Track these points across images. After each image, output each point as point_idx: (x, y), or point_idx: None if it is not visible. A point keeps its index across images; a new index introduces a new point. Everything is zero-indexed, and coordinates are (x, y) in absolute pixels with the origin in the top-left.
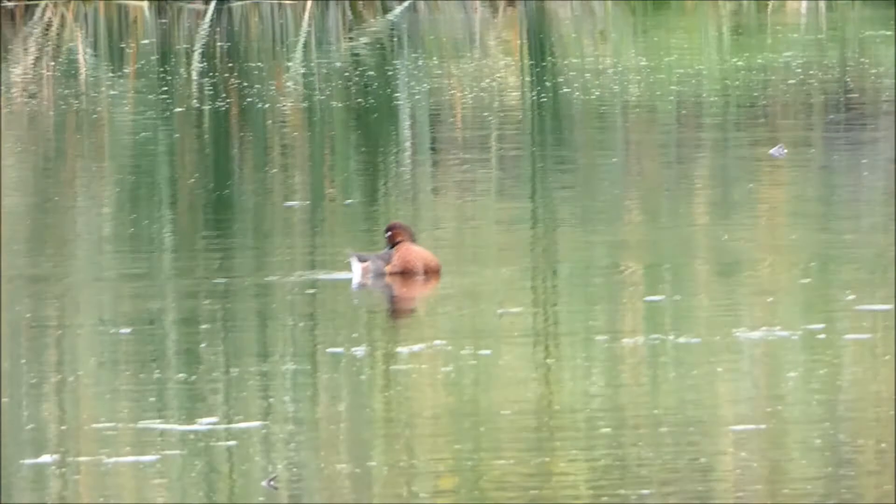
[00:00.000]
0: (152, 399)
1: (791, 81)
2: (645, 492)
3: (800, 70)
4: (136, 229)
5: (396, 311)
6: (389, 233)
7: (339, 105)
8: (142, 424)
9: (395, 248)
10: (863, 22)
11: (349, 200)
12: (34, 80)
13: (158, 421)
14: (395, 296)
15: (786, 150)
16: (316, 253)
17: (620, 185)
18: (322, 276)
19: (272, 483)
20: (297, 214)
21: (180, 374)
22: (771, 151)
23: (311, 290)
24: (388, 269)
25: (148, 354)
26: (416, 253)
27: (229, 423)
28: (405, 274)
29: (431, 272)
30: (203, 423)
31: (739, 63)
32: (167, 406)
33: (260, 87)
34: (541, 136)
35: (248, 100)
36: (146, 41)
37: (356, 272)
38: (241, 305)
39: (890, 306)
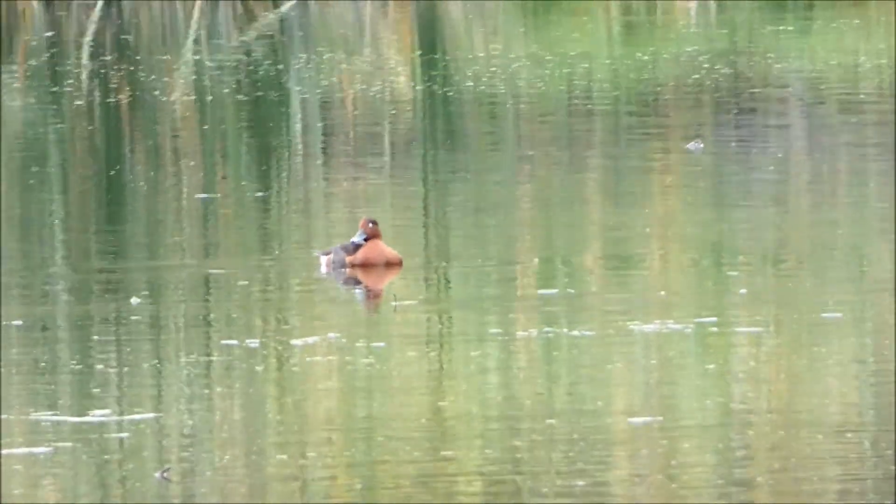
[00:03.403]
0: (45, 391)
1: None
2: (540, 485)
3: (696, 64)
4: (27, 217)
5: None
6: (371, 225)
7: (230, 99)
8: (34, 416)
9: (366, 242)
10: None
11: (259, 193)
12: None
13: (51, 413)
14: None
15: (702, 145)
16: (212, 245)
17: (512, 177)
18: (216, 269)
19: (165, 475)
20: (206, 207)
21: (73, 366)
22: (688, 146)
23: (207, 282)
24: (349, 259)
25: (40, 345)
26: (380, 249)
27: (122, 414)
28: (365, 266)
29: (393, 266)
30: (96, 415)
31: (630, 59)
32: (60, 398)
33: (151, 80)
34: (432, 129)
35: (139, 93)
36: (35, 35)
37: (323, 265)
38: (135, 296)
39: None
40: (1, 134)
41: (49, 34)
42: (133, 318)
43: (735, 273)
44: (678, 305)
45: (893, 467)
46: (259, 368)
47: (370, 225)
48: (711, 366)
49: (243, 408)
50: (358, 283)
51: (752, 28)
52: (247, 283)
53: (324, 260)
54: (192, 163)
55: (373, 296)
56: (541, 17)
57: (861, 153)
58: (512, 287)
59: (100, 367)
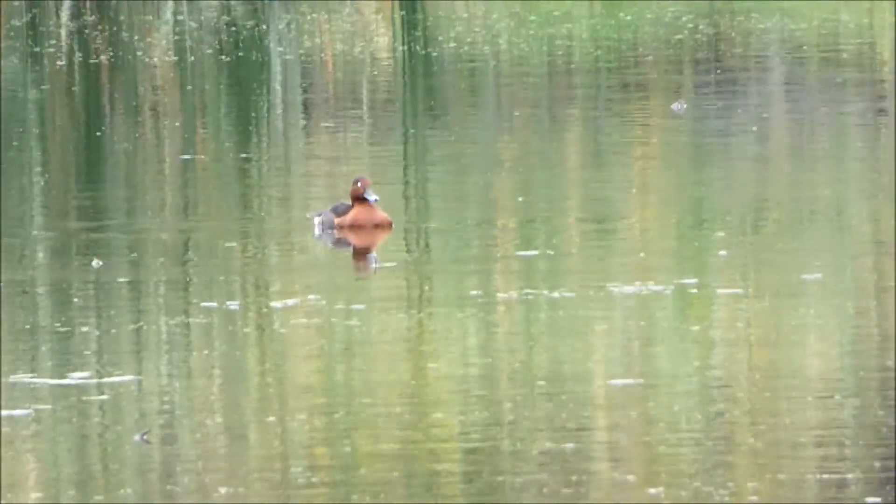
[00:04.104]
0: (24, 353)
1: (677, 36)
2: (521, 447)
3: (678, 24)
4: (7, 178)
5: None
6: (358, 184)
7: (212, 60)
8: (13, 378)
9: (354, 205)
10: None
11: (243, 154)
12: None
13: (30, 375)
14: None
15: (685, 105)
16: (193, 206)
17: (493, 137)
18: (197, 230)
19: (145, 437)
20: (188, 168)
21: (52, 328)
22: (672, 106)
23: (187, 244)
24: (337, 221)
25: (19, 308)
26: (370, 211)
27: (101, 377)
28: (354, 228)
29: (382, 227)
30: (75, 378)
31: (613, 19)
32: (39, 360)
33: (132, 41)
34: (413, 89)
35: (121, 54)
36: None
37: (315, 227)
38: (115, 258)
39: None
40: None
41: None
42: (113, 280)
43: (715, 235)
44: (658, 267)
45: (875, 428)
46: (239, 331)
47: (357, 184)
48: (692, 328)
49: (222, 370)
50: (347, 244)
51: None
52: (228, 244)
53: (316, 221)
54: (175, 123)
55: (357, 257)
56: None
57: (842, 113)
58: (492, 248)
59: (79, 329)
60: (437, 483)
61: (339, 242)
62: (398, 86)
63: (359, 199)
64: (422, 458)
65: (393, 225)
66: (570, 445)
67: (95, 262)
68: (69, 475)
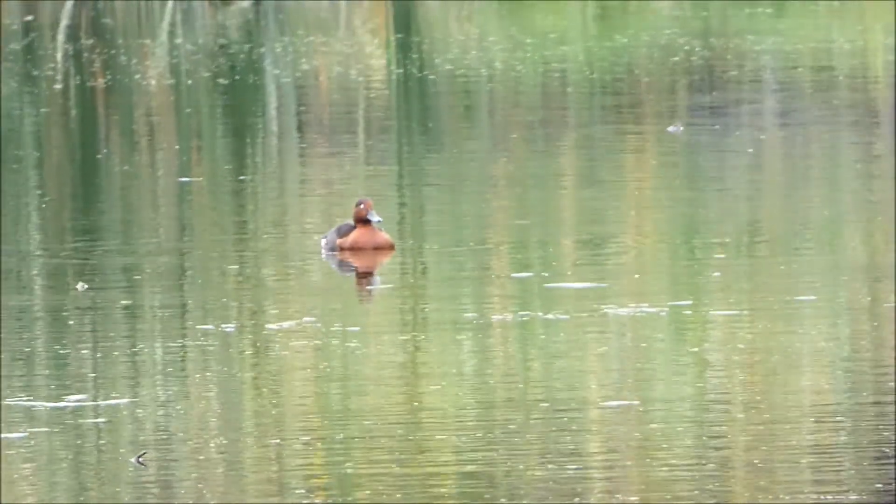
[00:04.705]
0: (20, 376)
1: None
2: (516, 470)
3: (674, 46)
4: (4, 201)
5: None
6: (361, 206)
7: (206, 83)
8: (9, 401)
9: (357, 226)
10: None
11: (242, 177)
12: None
13: (26, 398)
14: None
15: (682, 127)
16: (190, 229)
17: (488, 160)
18: (194, 252)
19: (141, 460)
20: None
21: (48, 351)
22: (668, 129)
23: (184, 266)
24: (339, 243)
25: (15, 331)
26: (371, 233)
27: (97, 400)
28: (354, 250)
29: (383, 250)
30: (71, 401)
31: (608, 41)
32: (35, 383)
33: (128, 64)
34: (408, 111)
35: (117, 77)
36: (8, 19)
37: (322, 248)
38: (113, 281)
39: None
40: None
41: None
42: (109, 303)
43: (710, 256)
44: (653, 289)
45: (871, 447)
46: (234, 353)
47: (360, 206)
48: (687, 349)
49: (219, 393)
50: (350, 266)
51: (727, 11)
52: (225, 266)
53: (323, 243)
54: (172, 146)
55: (355, 279)
56: (515, 1)
57: (836, 135)
58: (487, 270)
59: (76, 352)
60: None
61: (342, 264)
62: (393, 108)
63: (362, 220)
64: (418, 481)
65: (395, 247)
66: (566, 468)
67: (80, 286)
68: (65, 498)
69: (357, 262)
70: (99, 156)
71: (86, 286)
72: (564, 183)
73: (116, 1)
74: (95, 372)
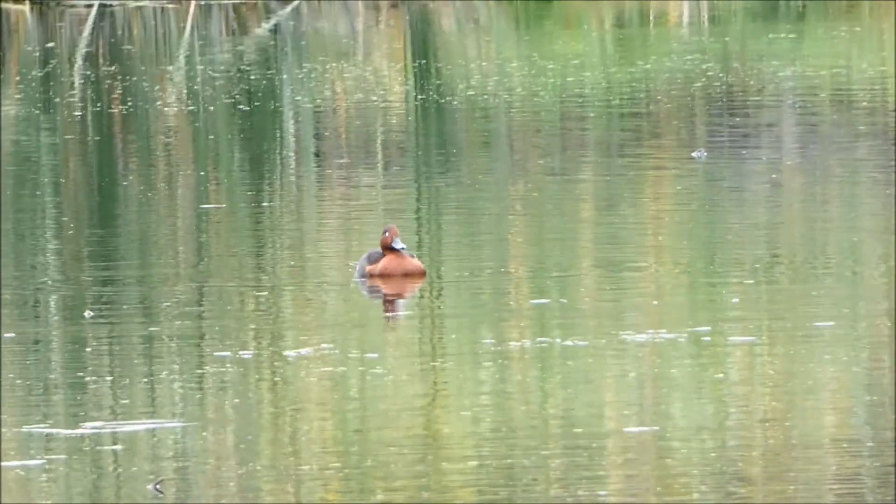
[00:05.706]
0: (37, 403)
1: (696, 84)
2: (535, 496)
3: (695, 73)
4: (21, 228)
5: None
6: (387, 233)
7: (225, 109)
8: (27, 429)
9: (385, 254)
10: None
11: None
12: None
13: (44, 425)
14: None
15: (705, 153)
16: (208, 255)
17: (506, 186)
18: (212, 278)
19: (158, 487)
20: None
21: (66, 378)
22: (692, 154)
23: (202, 293)
24: (368, 269)
25: (33, 358)
26: (400, 260)
27: (115, 426)
28: (383, 276)
29: (412, 276)
30: (89, 427)
31: (629, 66)
32: (52, 410)
33: (146, 90)
34: (426, 137)
35: (135, 103)
36: (28, 45)
37: (355, 273)
38: (129, 308)
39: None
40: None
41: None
42: (127, 329)
43: (729, 282)
44: (671, 315)
45: (893, 478)
46: (252, 380)
47: (386, 234)
48: (706, 376)
49: (236, 419)
50: (377, 292)
51: (748, 37)
52: (243, 292)
53: (356, 269)
54: (192, 172)
55: (375, 306)
56: (534, 28)
57: (857, 161)
58: (505, 296)
59: (93, 378)
60: None
61: (372, 291)
62: (413, 133)
63: (388, 248)
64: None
65: (426, 273)
66: (585, 494)
67: (87, 313)
68: None
69: (387, 288)
70: (116, 183)
71: (91, 314)
72: (583, 209)
73: (135, 28)
74: (113, 398)
